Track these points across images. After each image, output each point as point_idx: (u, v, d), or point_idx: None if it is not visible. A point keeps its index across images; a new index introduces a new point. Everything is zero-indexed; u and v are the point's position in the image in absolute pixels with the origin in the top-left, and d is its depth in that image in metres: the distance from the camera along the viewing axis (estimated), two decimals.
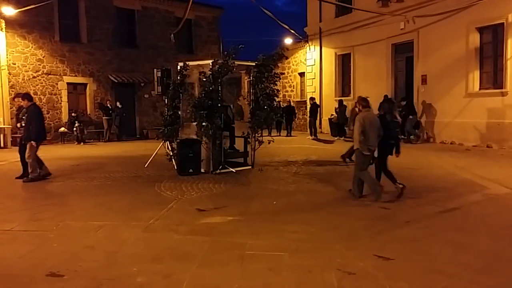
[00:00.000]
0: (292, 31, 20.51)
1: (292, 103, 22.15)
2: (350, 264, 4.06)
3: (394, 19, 16.08)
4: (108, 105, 18.68)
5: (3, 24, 16.34)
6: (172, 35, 17.01)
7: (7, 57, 16.64)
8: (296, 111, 21.75)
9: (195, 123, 9.44)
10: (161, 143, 10.66)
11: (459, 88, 14.29)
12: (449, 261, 4.17)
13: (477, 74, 14.01)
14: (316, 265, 4.05)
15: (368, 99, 7.02)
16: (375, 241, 4.75)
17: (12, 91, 16.79)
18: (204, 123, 9.20)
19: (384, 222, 5.57)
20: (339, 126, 17.73)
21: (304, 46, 22.31)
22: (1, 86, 16.15)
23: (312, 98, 19.35)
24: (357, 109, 7.06)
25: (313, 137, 17.69)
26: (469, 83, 14.04)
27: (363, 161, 6.72)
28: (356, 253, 4.34)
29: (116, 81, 19.48)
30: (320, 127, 20.20)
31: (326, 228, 5.27)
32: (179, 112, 10.15)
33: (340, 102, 17.89)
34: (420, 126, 15.48)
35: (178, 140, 9.68)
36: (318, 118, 19.36)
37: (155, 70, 10.96)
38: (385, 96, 15.54)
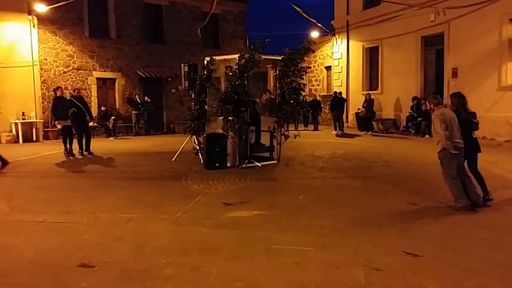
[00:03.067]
0: (319, 24, 20.34)
1: (318, 97, 21.99)
2: (377, 260, 4.02)
3: (424, 11, 15.72)
4: (138, 99, 18.97)
5: (35, 21, 16.74)
6: (199, 30, 17.11)
7: (39, 53, 17.07)
8: (322, 106, 21.57)
9: (221, 118, 9.49)
10: (188, 137, 10.76)
11: (491, 81, 13.88)
12: (480, 258, 4.08)
13: (510, 66, 13.56)
14: (343, 260, 4.03)
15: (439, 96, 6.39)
16: (403, 238, 4.68)
17: (44, 86, 17.28)
18: (230, 118, 9.24)
19: (412, 218, 5.48)
20: (366, 120, 17.51)
21: (331, 39, 22.08)
22: (34, 81, 16.59)
23: (335, 92, 19.06)
24: (428, 109, 6.34)
25: (337, 131, 17.43)
26: (502, 76, 13.61)
27: (450, 162, 5.82)
28: (383, 249, 4.30)
29: (144, 76, 19.74)
30: (347, 122, 19.99)
31: (353, 224, 5.23)
32: (206, 107, 10.22)
33: (369, 96, 17.65)
34: None
35: (204, 135, 9.76)
36: (344, 112, 19.11)
37: (182, 65, 11.05)
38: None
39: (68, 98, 11.88)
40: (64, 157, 11.36)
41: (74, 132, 11.67)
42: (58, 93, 11.63)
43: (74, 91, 12.44)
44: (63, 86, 17.61)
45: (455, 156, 5.80)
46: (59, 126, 11.63)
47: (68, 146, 11.57)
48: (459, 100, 6.33)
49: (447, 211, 5.71)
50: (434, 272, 3.79)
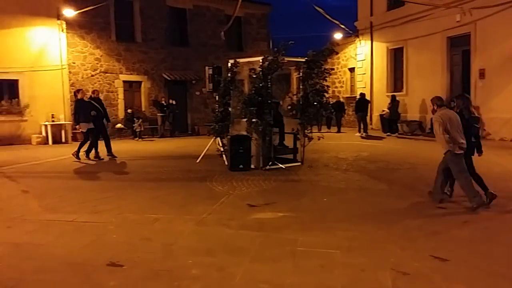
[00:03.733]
0: (342, 26, 20.23)
1: (341, 99, 21.84)
2: (404, 264, 3.98)
3: (450, 11, 15.46)
4: (163, 102, 19.24)
5: (64, 25, 17.16)
6: (222, 33, 17.23)
7: (67, 57, 17.48)
8: (346, 107, 21.42)
9: (245, 120, 9.54)
10: (212, 139, 10.85)
11: None
12: (510, 264, 3.99)
13: None
14: (369, 264, 4.00)
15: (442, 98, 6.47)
16: (431, 241, 4.62)
17: (72, 89, 17.65)
18: (254, 120, 9.27)
19: (440, 222, 5.40)
20: (391, 122, 17.31)
21: (355, 41, 21.93)
22: (62, 84, 17.01)
23: (360, 93, 18.93)
24: (432, 110, 6.42)
25: (361, 133, 17.25)
26: None
27: (458, 162, 5.98)
28: (410, 253, 4.25)
29: (169, 79, 19.99)
30: (371, 123, 19.79)
31: (379, 227, 5.18)
32: (230, 109, 10.29)
33: (393, 97, 17.44)
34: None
35: (228, 136, 9.83)
36: (368, 114, 18.91)
37: (206, 67, 11.15)
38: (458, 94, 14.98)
39: (86, 100, 11.64)
40: (89, 160, 11.49)
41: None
42: (79, 96, 11.48)
43: (93, 92, 12.25)
44: (90, 89, 18.10)
45: (461, 155, 5.96)
46: (83, 129, 11.51)
47: (92, 149, 11.47)
48: (463, 102, 6.44)
49: (476, 215, 5.61)
50: (463, 277, 3.73)
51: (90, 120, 11.23)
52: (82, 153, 11.42)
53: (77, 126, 11.66)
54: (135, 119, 18.07)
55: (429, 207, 6.09)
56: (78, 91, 11.82)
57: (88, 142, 11.46)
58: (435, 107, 6.23)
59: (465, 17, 14.96)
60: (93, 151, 11.52)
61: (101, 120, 11.62)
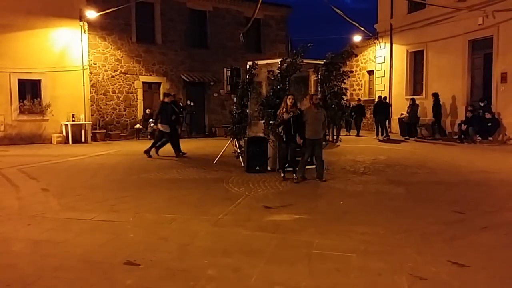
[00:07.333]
0: (362, 28, 20.09)
1: (361, 102, 21.67)
2: (422, 269, 3.93)
3: (472, 14, 15.21)
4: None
5: (86, 27, 17.44)
6: (241, 35, 17.29)
7: (88, 58, 17.76)
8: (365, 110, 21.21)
9: (262, 121, 9.55)
10: (229, 141, 10.88)
11: None
12: None
13: None
14: (386, 268, 3.96)
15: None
16: (449, 247, 4.55)
17: (93, 89, 17.95)
18: (271, 121, 9.28)
19: (458, 227, 5.31)
20: (409, 126, 17.10)
21: (374, 43, 21.76)
22: (83, 85, 17.28)
23: (379, 97, 18.80)
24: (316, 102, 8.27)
25: (379, 136, 17.07)
26: None
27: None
28: (428, 258, 4.19)
29: (187, 80, 20.13)
30: (389, 126, 19.57)
31: (396, 231, 5.12)
32: (247, 110, 10.31)
33: (413, 101, 17.24)
34: (500, 126, 14.56)
35: (245, 138, 9.85)
36: (388, 117, 18.72)
37: (225, 69, 11.20)
38: None
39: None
40: (110, 158, 11.68)
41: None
42: (167, 99, 12.41)
43: (173, 97, 13.29)
44: (111, 90, 18.37)
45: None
46: (166, 130, 12.04)
47: (162, 146, 12.23)
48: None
49: (495, 221, 5.51)
50: (482, 283, 3.67)
51: (169, 122, 11.97)
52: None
53: (154, 126, 12.73)
54: (150, 120, 18.15)
55: (448, 212, 5.99)
56: (167, 95, 12.91)
57: (162, 140, 12.20)
58: (315, 101, 8.20)
59: (487, 20, 14.70)
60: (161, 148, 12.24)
61: (177, 123, 12.60)
